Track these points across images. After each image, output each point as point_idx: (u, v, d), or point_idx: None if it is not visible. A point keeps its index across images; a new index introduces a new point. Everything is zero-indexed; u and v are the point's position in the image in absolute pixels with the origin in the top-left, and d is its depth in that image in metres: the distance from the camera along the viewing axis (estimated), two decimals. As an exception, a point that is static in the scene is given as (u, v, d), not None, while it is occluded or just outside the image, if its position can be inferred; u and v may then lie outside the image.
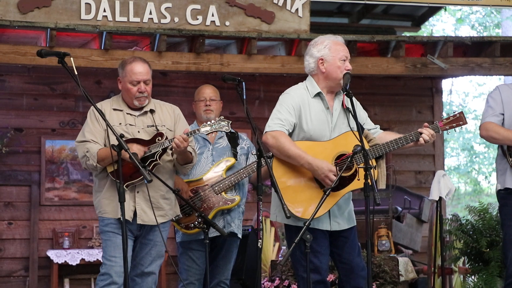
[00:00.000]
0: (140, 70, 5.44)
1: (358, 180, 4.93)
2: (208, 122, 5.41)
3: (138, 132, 5.42)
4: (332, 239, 5.20)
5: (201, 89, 6.15)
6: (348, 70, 5.12)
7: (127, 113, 5.48)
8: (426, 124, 5.20)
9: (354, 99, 5.13)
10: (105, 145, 5.36)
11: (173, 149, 5.31)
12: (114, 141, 5.21)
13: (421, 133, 5.11)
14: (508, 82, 16.53)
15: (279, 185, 5.00)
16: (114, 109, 5.48)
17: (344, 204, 5.18)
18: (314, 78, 5.22)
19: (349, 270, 5.15)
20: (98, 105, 5.42)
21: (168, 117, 5.56)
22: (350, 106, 4.99)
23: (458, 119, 5.20)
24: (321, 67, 5.18)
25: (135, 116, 5.49)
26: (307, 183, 5.05)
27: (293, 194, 5.05)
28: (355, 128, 4.93)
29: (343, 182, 4.99)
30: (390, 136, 5.21)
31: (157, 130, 5.43)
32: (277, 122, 5.10)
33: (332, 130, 5.12)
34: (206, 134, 5.51)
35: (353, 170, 4.99)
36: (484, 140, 5.69)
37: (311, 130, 5.11)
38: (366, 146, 4.99)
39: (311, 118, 5.13)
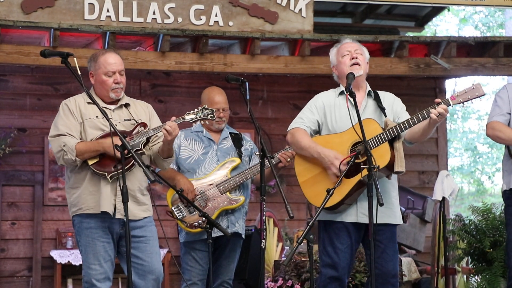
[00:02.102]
0: (114, 60, 5.30)
1: (362, 166, 4.89)
2: (192, 111, 5.34)
3: (116, 125, 5.19)
4: (367, 240, 5.11)
5: (214, 96, 5.99)
6: (352, 58, 5.21)
7: (103, 107, 5.24)
8: (437, 99, 5.03)
9: (391, 95, 5.37)
10: (81, 139, 5.22)
11: (164, 137, 5.18)
12: (92, 134, 5.18)
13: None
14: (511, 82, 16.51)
15: (299, 179, 5.22)
16: (89, 103, 5.26)
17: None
18: (339, 82, 5.37)
19: (379, 275, 5.07)
20: (72, 99, 5.32)
21: (142, 112, 5.44)
22: (353, 106, 4.99)
23: (474, 91, 4.96)
24: (335, 73, 5.37)
25: (110, 110, 5.32)
26: (325, 174, 5.11)
27: (312, 186, 5.16)
28: (382, 125, 5.03)
29: (357, 168, 4.99)
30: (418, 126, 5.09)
31: (136, 122, 5.31)
32: (298, 121, 5.30)
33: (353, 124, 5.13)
34: (191, 122, 5.43)
35: (365, 157, 4.96)
36: (488, 140, 5.68)
37: (336, 128, 5.21)
38: (379, 132, 5.00)
39: (336, 116, 5.24)
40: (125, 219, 4.92)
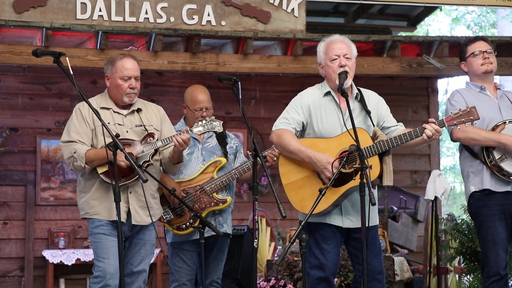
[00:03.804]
0: (131, 66, 5.42)
1: (354, 179, 4.93)
2: (200, 123, 5.37)
3: (127, 132, 5.37)
4: (350, 240, 5.21)
5: (197, 96, 5.99)
6: (341, 66, 5.13)
7: (115, 112, 5.41)
8: (431, 119, 5.07)
9: (376, 96, 5.30)
10: (92, 146, 5.31)
11: (175, 147, 5.28)
12: (103, 141, 5.21)
13: (425, 129, 4.99)
14: (503, 81, 16.56)
15: (283, 181, 5.16)
16: (102, 108, 5.39)
17: (359, 201, 5.13)
18: (327, 83, 5.29)
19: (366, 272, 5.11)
20: (85, 104, 5.30)
21: (154, 117, 5.53)
22: (346, 106, 4.99)
23: (469, 114, 5.02)
24: (322, 72, 5.29)
25: (123, 115, 5.43)
26: (311, 178, 5.08)
27: (297, 190, 5.12)
28: (369, 128, 5.03)
29: (345, 178, 4.99)
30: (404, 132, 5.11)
31: (146, 130, 5.39)
32: (283, 121, 5.20)
33: (343, 129, 5.12)
34: (199, 135, 5.47)
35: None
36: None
37: (322, 130, 5.16)
38: (370, 144, 4.99)
39: (322, 118, 5.18)
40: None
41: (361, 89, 5.30)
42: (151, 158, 5.33)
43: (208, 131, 5.40)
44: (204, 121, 5.38)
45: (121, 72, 5.38)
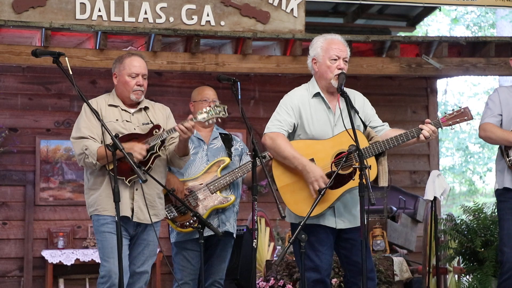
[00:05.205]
0: (139, 63, 5.50)
1: (353, 180, 4.92)
2: (204, 110, 5.37)
3: (134, 129, 5.45)
4: (340, 241, 5.20)
5: (203, 90, 6.09)
6: (340, 69, 5.11)
7: (123, 109, 5.49)
8: (427, 120, 5.11)
9: (361, 96, 5.28)
10: (102, 142, 5.33)
11: (180, 136, 5.32)
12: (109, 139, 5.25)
13: (421, 129, 5.04)
14: (503, 82, 16.56)
15: (278, 183, 5.12)
16: (110, 105, 5.48)
17: (351, 202, 5.13)
18: (315, 77, 5.26)
19: (357, 272, 5.08)
20: (94, 101, 5.44)
21: (160, 115, 5.60)
22: (345, 106, 4.99)
23: (463, 114, 5.09)
24: (314, 67, 5.25)
25: (130, 113, 5.50)
26: (306, 181, 5.05)
27: (292, 193, 5.09)
28: (358, 128, 5.01)
29: (342, 180, 4.98)
30: (395, 133, 5.13)
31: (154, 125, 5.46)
32: (275, 124, 5.16)
33: (334, 130, 5.11)
34: (204, 122, 5.44)
35: (351, 168, 4.97)
36: (479, 140, 5.82)
37: (313, 131, 5.14)
38: (366, 144, 4.99)
39: (312, 119, 5.15)
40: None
41: (346, 89, 5.28)
42: (159, 150, 5.36)
43: (213, 118, 5.37)
44: (208, 108, 5.38)
45: (129, 69, 5.45)
